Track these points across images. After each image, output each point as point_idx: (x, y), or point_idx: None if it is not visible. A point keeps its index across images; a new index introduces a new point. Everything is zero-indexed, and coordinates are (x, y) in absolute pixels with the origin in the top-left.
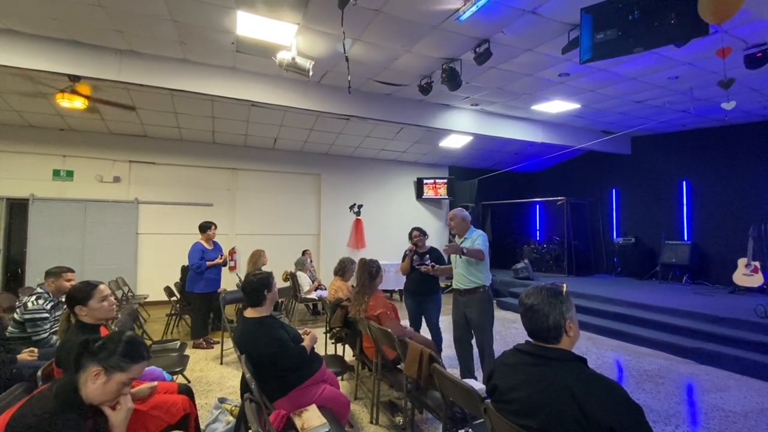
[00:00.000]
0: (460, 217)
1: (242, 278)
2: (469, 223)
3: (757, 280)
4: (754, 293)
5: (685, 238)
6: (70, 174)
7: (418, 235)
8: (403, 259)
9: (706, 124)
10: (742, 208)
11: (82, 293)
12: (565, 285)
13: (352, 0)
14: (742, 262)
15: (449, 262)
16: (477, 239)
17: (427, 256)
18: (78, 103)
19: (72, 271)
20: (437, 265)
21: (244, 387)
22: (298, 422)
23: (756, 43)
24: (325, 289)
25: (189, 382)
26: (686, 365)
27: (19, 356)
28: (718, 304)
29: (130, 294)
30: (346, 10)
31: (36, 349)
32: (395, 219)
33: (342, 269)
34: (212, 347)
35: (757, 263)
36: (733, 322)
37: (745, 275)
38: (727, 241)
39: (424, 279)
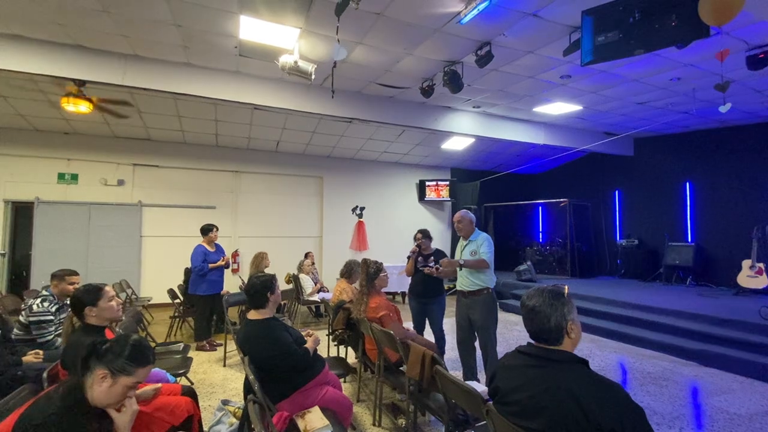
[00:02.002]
0: (467, 219)
1: (245, 280)
2: (474, 225)
3: (761, 282)
4: (758, 295)
5: (689, 239)
6: (74, 177)
7: (420, 237)
8: (408, 261)
9: (709, 125)
10: (745, 210)
11: (92, 295)
12: (566, 287)
13: (353, 4)
14: (746, 263)
15: None
16: (482, 245)
17: (432, 258)
18: (83, 107)
19: (76, 274)
20: (441, 267)
21: (247, 389)
22: (300, 424)
23: (758, 44)
24: (328, 291)
25: (192, 384)
26: (690, 367)
27: (25, 358)
28: (723, 306)
29: (133, 296)
30: (348, 14)
31: (41, 351)
32: (397, 221)
33: (349, 271)
34: (215, 349)
35: (761, 265)
36: (738, 324)
37: (749, 277)
38: (731, 243)
39: (428, 281)
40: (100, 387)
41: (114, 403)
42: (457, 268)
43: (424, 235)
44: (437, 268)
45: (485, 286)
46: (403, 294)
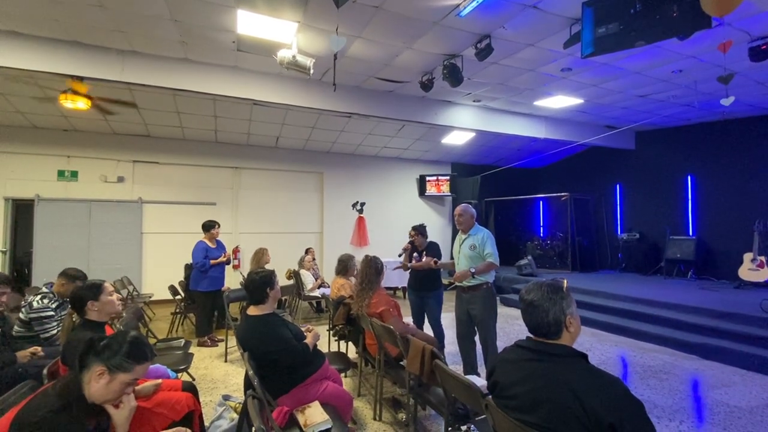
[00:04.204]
0: (469, 213)
1: (246, 276)
2: (474, 220)
3: (762, 275)
4: (759, 288)
5: (690, 233)
6: (74, 174)
7: (414, 234)
8: (402, 257)
9: (711, 118)
10: (747, 203)
11: (93, 290)
12: (565, 281)
13: None
14: (747, 256)
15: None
16: (486, 244)
17: (424, 253)
18: (81, 104)
19: (79, 278)
20: (439, 261)
21: (248, 384)
22: (301, 419)
23: (760, 35)
24: (328, 286)
25: (194, 379)
26: (691, 361)
27: (19, 354)
28: (724, 300)
29: (135, 293)
30: (346, 7)
31: (39, 348)
32: (398, 216)
33: (344, 268)
34: (216, 345)
35: (762, 258)
36: (739, 318)
37: (750, 270)
38: (733, 236)
39: (425, 275)
40: (97, 384)
41: (112, 400)
42: (456, 264)
43: (418, 231)
44: (435, 261)
45: (485, 280)
46: (403, 289)
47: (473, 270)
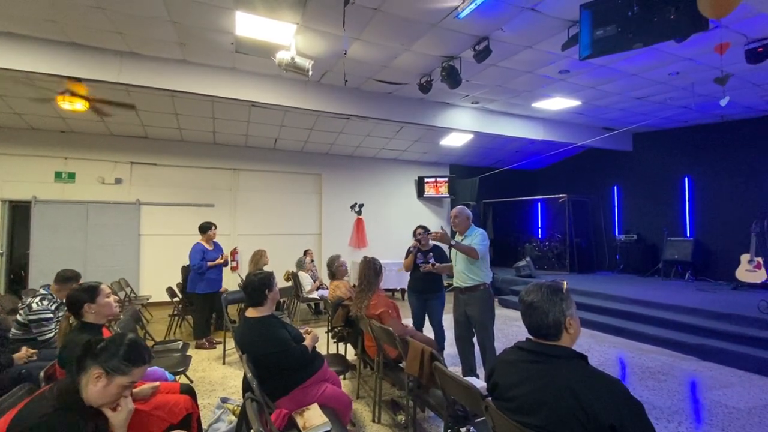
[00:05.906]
0: (464, 215)
1: (244, 278)
2: (470, 222)
3: (759, 276)
4: (757, 289)
5: (688, 234)
6: (71, 176)
7: (421, 232)
8: (407, 256)
9: (708, 119)
10: (744, 204)
11: (90, 292)
12: (565, 282)
13: None
14: (744, 258)
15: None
16: (476, 238)
17: (430, 254)
18: (78, 105)
19: (76, 279)
20: (438, 264)
21: (246, 387)
22: (299, 421)
23: (757, 37)
24: (327, 288)
25: (191, 382)
26: (689, 362)
27: (16, 355)
28: (721, 301)
29: (132, 295)
30: (345, 8)
31: (30, 349)
32: (396, 218)
33: (332, 272)
34: (214, 347)
35: (759, 259)
36: (736, 319)
37: (747, 271)
38: (730, 237)
39: (428, 277)
40: (95, 387)
41: (109, 403)
42: (454, 265)
43: (426, 231)
44: (433, 264)
45: (481, 281)
46: (402, 291)
47: (454, 243)
